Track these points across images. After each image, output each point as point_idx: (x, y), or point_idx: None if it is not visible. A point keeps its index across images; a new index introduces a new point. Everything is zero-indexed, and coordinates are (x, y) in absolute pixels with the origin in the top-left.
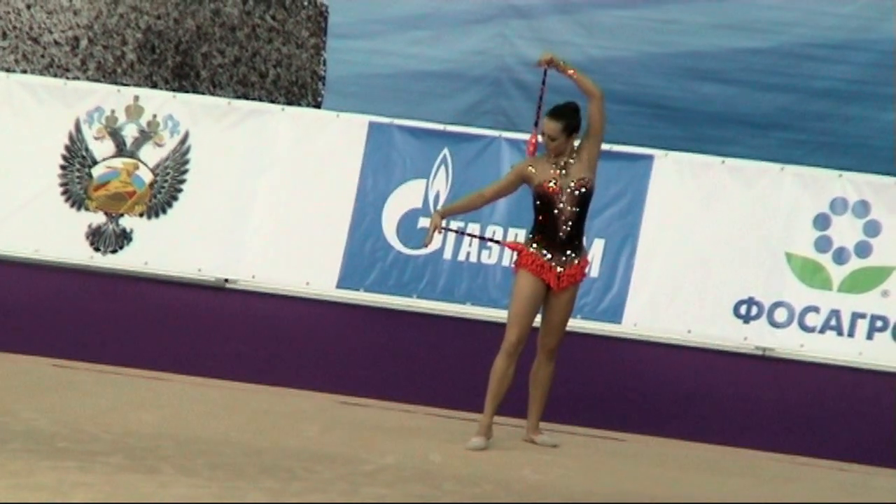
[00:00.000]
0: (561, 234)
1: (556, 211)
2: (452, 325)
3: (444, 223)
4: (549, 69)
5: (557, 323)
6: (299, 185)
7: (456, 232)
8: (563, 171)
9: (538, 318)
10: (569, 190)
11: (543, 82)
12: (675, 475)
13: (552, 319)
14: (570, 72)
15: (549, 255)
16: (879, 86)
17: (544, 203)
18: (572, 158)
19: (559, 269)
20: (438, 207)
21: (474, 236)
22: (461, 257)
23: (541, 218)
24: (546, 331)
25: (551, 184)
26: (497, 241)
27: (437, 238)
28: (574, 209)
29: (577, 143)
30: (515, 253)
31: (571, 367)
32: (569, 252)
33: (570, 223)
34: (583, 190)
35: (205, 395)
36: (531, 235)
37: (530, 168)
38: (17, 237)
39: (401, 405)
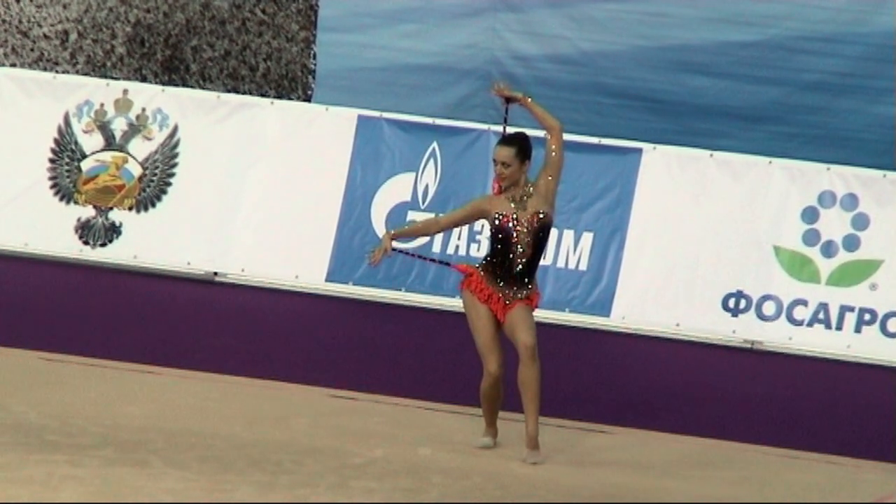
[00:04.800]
0: (515, 269)
1: (511, 246)
2: (441, 319)
3: (393, 245)
4: (510, 104)
5: (523, 323)
6: (288, 179)
7: (405, 254)
8: (520, 206)
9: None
10: (526, 225)
11: (505, 120)
12: (664, 468)
13: (515, 324)
14: (528, 101)
15: (498, 287)
16: (870, 79)
17: (500, 237)
18: (529, 192)
19: (506, 301)
20: (391, 230)
21: (424, 258)
22: (450, 250)
23: (496, 251)
24: (515, 334)
25: (508, 218)
26: (447, 264)
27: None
28: (530, 244)
29: (533, 177)
30: (464, 275)
31: (560, 361)
32: (519, 287)
33: (524, 259)
34: (540, 224)
35: (194, 389)
36: (485, 263)
37: (488, 201)
38: (6, 231)
39: (389, 398)
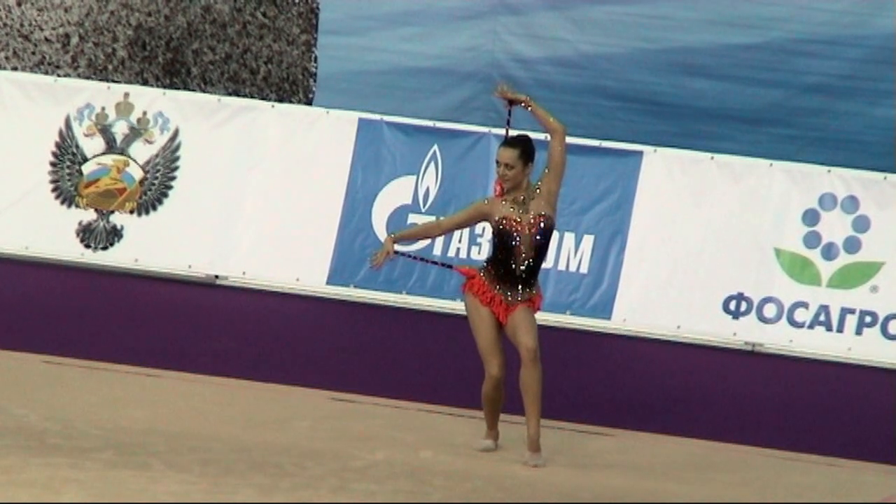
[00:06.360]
0: (517, 271)
1: (513, 248)
2: (441, 322)
3: (395, 248)
4: (513, 107)
5: (525, 325)
6: (289, 182)
7: (407, 256)
8: (522, 208)
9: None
10: (528, 227)
11: (508, 122)
12: (665, 471)
13: (517, 326)
14: (531, 103)
15: (500, 290)
16: (871, 81)
17: (502, 240)
18: (531, 195)
19: (508, 304)
20: (393, 233)
21: (426, 261)
22: (451, 253)
23: (498, 253)
24: (517, 337)
25: (509, 221)
26: (449, 266)
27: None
28: (532, 247)
29: (535, 180)
30: (466, 277)
31: (561, 363)
32: (521, 289)
33: (527, 261)
34: (542, 226)
35: (195, 392)
36: (486, 265)
37: (490, 204)
38: (7, 234)
39: (390, 401)
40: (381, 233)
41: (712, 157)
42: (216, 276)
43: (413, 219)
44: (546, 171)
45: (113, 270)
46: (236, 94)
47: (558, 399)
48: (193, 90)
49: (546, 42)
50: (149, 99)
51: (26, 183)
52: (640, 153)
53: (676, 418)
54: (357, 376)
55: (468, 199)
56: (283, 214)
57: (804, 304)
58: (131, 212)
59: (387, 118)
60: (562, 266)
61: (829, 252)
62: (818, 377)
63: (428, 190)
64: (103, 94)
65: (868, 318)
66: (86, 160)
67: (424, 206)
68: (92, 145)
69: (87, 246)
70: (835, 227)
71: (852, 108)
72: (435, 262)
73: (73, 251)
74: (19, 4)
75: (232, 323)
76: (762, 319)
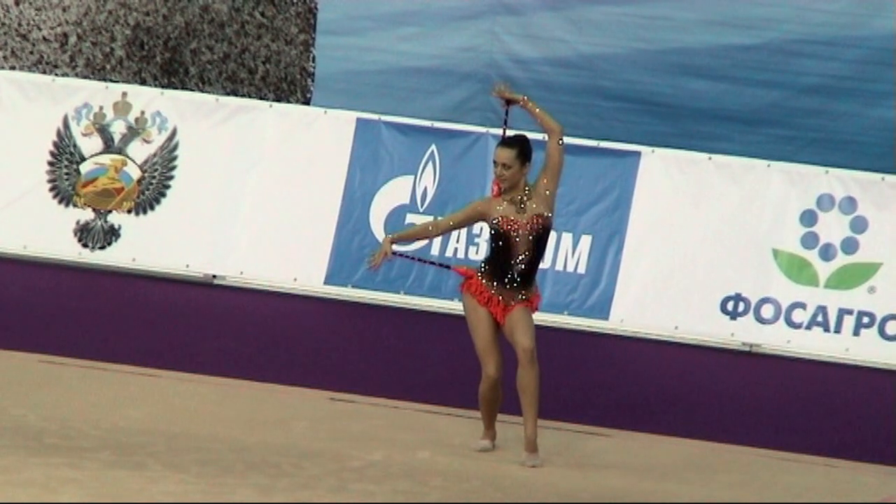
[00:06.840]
0: (514, 272)
1: (511, 248)
2: (440, 322)
3: (393, 248)
4: (510, 107)
5: (522, 325)
6: (287, 182)
7: (405, 257)
8: (520, 208)
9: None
10: (525, 227)
11: (505, 122)
12: (663, 471)
13: (514, 326)
14: (527, 103)
15: (498, 290)
16: (869, 82)
17: (500, 240)
18: (529, 195)
19: (506, 304)
20: (391, 233)
21: (424, 262)
22: (449, 253)
23: (496, 253)
24: (514, 337)
25: (507, 221)
26: (447, 266)
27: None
28: (529, 247)
29: (532, 180)
30: (464, 277)
31: (559, 363)
32: (519, 289)
33: (524, 262)
34: (540, 226)
35: (193, 392)
36: (484, 265)
37: (487, 204)
38: (5, 233)
39: (388, 401)
40: (379, 233)
41: (710, 158)
42: (214, 276)
43: (411, 219)
44: (543, 170)
45: (110, 270)
46: (234, 93)
47: (556, 399)
48: (191, 90)
49: (544, 42)
50: (147, 98)
51: (24, 182)
52: (638, 153)
53: (674, 419)
54: (355, 376)
55: (466, 200)
56: (281, 214)
57: (802, 305)
58: (129, 211)
59: (385, 118)
60: (559, 266)
61: (826, 253)
62: (816, 378)
63: (426, 190)
64: (101, 94)
65: (866, 319)
66: (83, 159)
67: (422, 206)
68: (90, 145)
69: (85, 245)
70: (833, 227)
71: (851, 109)
72: (433, 263)
73: (70, 251)
74: (17, 3)
75: (229, 323)
76: (760, 320)
